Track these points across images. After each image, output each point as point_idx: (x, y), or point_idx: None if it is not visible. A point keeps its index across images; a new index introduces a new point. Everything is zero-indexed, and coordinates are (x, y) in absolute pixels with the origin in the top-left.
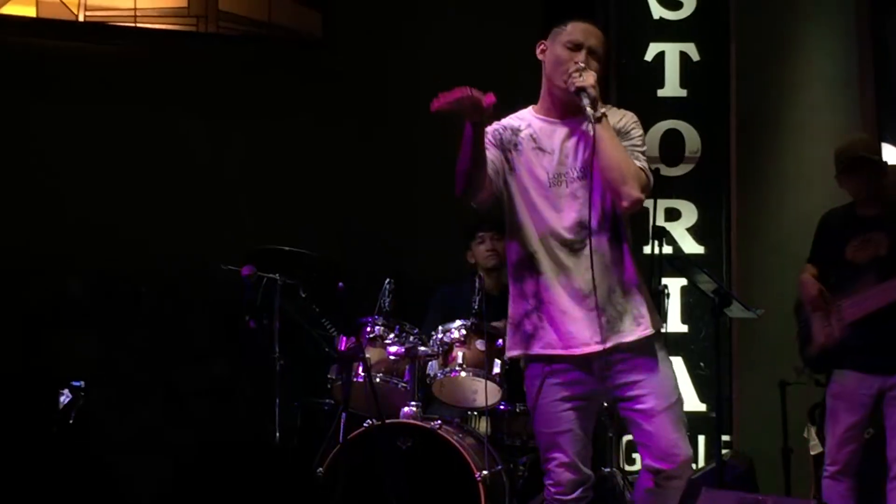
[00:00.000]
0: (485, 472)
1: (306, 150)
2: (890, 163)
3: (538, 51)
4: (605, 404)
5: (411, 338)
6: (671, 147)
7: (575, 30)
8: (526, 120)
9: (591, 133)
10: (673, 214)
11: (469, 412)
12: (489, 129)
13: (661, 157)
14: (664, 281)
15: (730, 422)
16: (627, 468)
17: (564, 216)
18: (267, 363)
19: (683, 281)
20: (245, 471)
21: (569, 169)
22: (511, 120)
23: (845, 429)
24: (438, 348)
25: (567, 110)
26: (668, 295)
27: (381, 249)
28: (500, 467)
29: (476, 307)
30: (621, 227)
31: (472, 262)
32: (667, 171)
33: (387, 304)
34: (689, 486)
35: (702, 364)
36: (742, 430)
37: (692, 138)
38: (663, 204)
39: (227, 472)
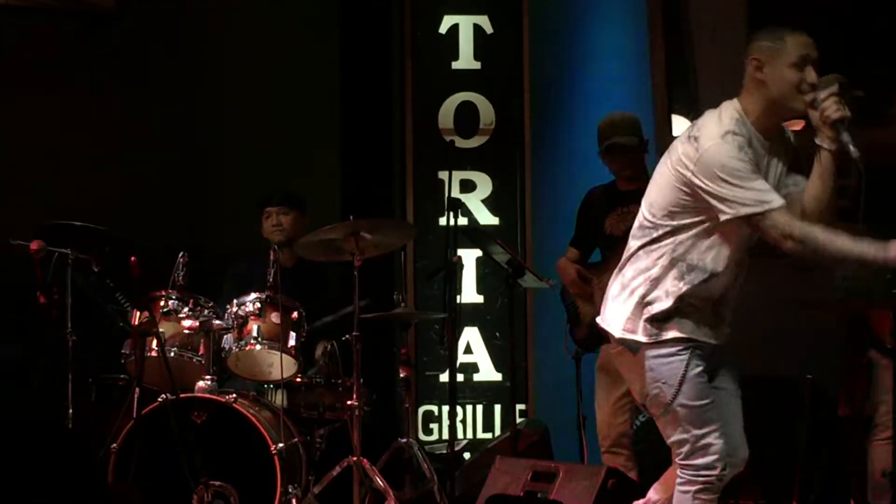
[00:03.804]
0: (280, 445)
1: (97, 124)
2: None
3: (752, 67)
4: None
5: (206, 311)
6: (466, 119)
7: (796, 46)
8: (746, 127)
9: (828, 161)
10: (468, 186)
11: (265, 385)
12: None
13: (455, 130)
14: (459, 252)
15: (525, 391)
16: (423, 438)
17: None
18: (59, 339)
19: (478, 252)
20: (37, 449)
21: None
22: (735, 124)
23: (614, 401)
24: (233, 321)
25: (779, 127)
26: (462, 266)
27: (175, 223)
28: (296, 440)
29: (271, 280)
30: None
31: (265, 236)
32: (461, 143)
33: (181, 278)
34: (483, 455)
35: (497, 334)
36: (537, 399)
37: (486, 111)
38: (458, 175)
39: (19, 451)
